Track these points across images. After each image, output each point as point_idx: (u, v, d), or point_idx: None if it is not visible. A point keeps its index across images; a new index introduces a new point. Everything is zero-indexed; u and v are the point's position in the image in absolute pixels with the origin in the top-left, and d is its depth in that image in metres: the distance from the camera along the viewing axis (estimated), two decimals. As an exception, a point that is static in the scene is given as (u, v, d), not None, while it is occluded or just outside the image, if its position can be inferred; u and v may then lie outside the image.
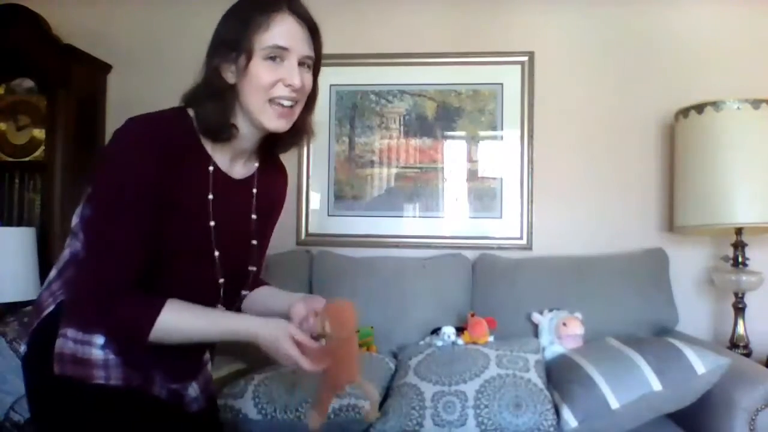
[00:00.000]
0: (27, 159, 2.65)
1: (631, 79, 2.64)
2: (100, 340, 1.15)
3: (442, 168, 2.70)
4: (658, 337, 2.14)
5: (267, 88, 1.15)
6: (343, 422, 1.77)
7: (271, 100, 1.16)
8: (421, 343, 2.21)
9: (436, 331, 2.23)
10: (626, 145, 2.63)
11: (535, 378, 1.87)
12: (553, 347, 2.15)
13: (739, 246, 2.31)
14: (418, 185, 2.70)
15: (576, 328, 2.17)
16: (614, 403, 1.72)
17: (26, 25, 2.54)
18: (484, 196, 2.68)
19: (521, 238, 2.64)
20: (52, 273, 1.23)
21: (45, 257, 2.47)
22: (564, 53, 2.68)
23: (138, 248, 1.10)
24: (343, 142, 2.74)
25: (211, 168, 1.20)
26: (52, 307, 1.18)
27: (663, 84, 2.61)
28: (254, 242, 1.31)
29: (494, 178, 2.67)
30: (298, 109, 1.21)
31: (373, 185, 2.72)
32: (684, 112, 2.32)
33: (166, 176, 1.11)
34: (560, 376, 1.92)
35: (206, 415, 1.36)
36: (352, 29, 2.75)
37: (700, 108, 2.25)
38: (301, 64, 1.19)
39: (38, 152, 2.63)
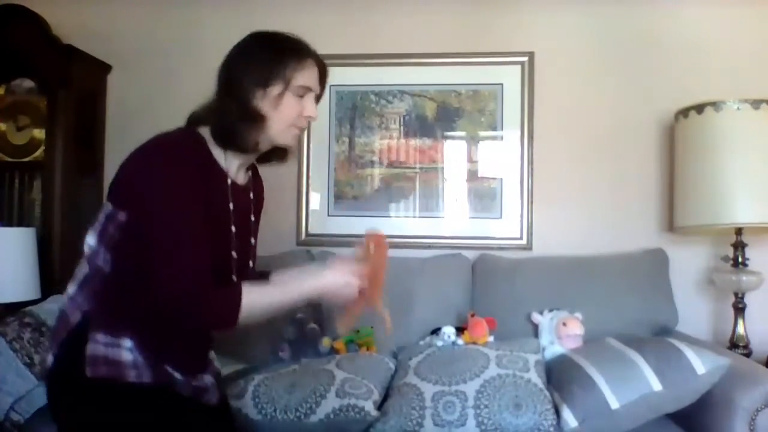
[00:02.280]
0: (27, 159, 2.65)
1: (631, 79, 2.64)
2: (127, 343, 1.24)
3: (442, 168, 2.70)
4: (658, 338, 2.14)
5: (293, 118, 1.34)
6: (343, 422, 1.77)
7: (293, 126, 1.35)
8: (421, 343, 2.21)
9: (436, 331, 2.23)
10: (626, 145, 2.63)
11: (535, 378, 1.87)
12: (553, 347, 2.15)
13: (739, 246, 2.31)
14: (418, 185, 2.70)
15: (576, 328, 2.17)
16: (614, 403, 1.72)
17: (26, 25, 2.54)
18: (484, 196, 2.68)
19: (521, 238, 2.64)
20: (72, 289, 1.29)
21: (45, 257, 2.47)
22: (564, 53, 2.68)
23: (207, 248, 1.23)
24: (343, 142, 2.74)
25: (229, 181, 1.35)
26: (79, 318, 1.25)
27: (663, 84, 2.61)
28: (252, 240, 1.45)
29: (494, 179, 2.67)
30: None
31: (373, 185, 2.72)
32: (684, 113, 2.33)
33: (200, 190, 1.25)
34: (560, 377, 1.92)
35: (222, 408, 1.47)
36: (353, 29, 2.75)
37: (700, 108, 2.25)
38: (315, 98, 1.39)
39: (38, 152, 2.64)
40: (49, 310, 2.15)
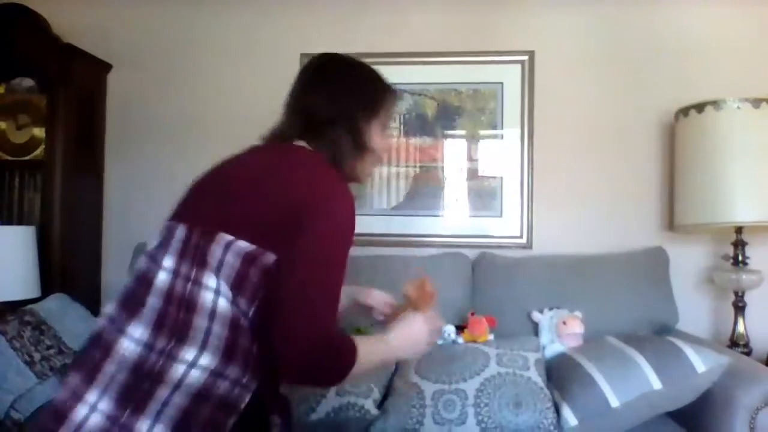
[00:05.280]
0: (27, 158, 2.65)
1: (631, 78, 2.64)
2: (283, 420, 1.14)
3: (443, 167, 2.70)
4: (658, 336, 2.14)
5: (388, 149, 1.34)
6: (343, 421, 1.77)
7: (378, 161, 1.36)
8: (421, 341, 2.21)
9: (436, 330, 2.22)
10: (626, 143, 2.63)
11: (535, 376, 1.87)
12: (553, 346, 2.15)
13: (739, 245, 2.31)
14: (418, 184, 2.70)
15: (576, 327, 2.17)
16: (614, 402, 1.72)
17: (26, 24, 2.54)
18: (484, 195, 2.68)
19: (521, 236, 2.64)
20: (209, 360, 1.01)
21: (45, 256, 2.47)
22: (564, 52, 2.68)
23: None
24: (343, 141, 2.74)
25: None
26: (247, 398, 1.03)
27: (663, 83, 2.61)
28: None
29: (494, 177, 2.67)
30: None
31: (373, 185, 2.72)
32: (684, 111, 2.32)
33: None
34: (560, 375, 1.92)
35: None
36: (352, 29, 2.75)
37: (700, 107, 2.25)
38: None
39: (38, 151, 2.63)
40: (49, 308, 2.16)
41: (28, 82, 2.67)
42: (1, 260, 2.28)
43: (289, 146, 1.23)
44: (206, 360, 1.00)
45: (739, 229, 2.31)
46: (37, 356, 1.97)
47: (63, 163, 2.55)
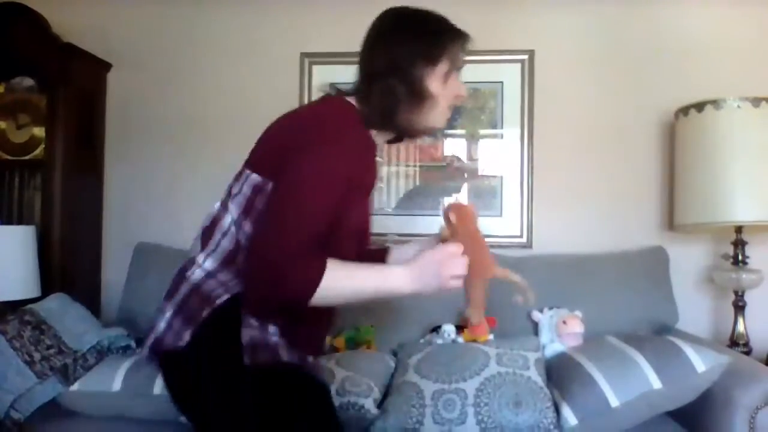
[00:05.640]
0: (27, 157, 2.65)
1: (631, 77, 2.64)
2: (272, 329, 1.23)
3: (443, 166, 2.70)
4: (657, 335, 2.14)
5: (454, 97, 1.34)
6: (344, 420, 1.77)
7: (452, 105, 1.36)
8: (421, 341, 2.21)
9: (436, 329, 2.23)
10: (626, 143, 2.63)
11: (535, 376, 1.87)
12: (553, 345, 2.15)
13: (739, 244, 2.31)
14: (418, 183, 2.70)
15: (576, 327, 2.17)
16: (614, 401, 1.72)
17: (26, 23, 2.54)
18: (484, 194, 2.68)
19: (521, 236, 2.64)
20: (211, 263, 1.26)
21: (45, 255, 2.47)
22: (564, 51, 2.68)
23: (324, 222, 1.17)
24: (343, 140, 2.73)
25: (378, 158, 1.37)
26: (225, 297, 1.21)
27: (663, 82, 2.61)
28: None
29: (494, 177, 2.67)
30: None
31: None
32: (684, 111, 2.32)
33: (361, 164, 1.26)
34: (560, 374, 1.92)
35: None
36: (352, 29, 2.73)
37: (700, 106, 2.25)
38: None
39: (38, 150, 2.63)
40: (49, 308, 2.16)
41: (27, 82, 2.67)
42: (1, 260, 2.27)
43: (320, 99, 1.34)
44: (209, 264, 1.26)
45: (739, 229, 2.31)
46: (37, 356, 1.98)
47: (63, 163, 2.55)
